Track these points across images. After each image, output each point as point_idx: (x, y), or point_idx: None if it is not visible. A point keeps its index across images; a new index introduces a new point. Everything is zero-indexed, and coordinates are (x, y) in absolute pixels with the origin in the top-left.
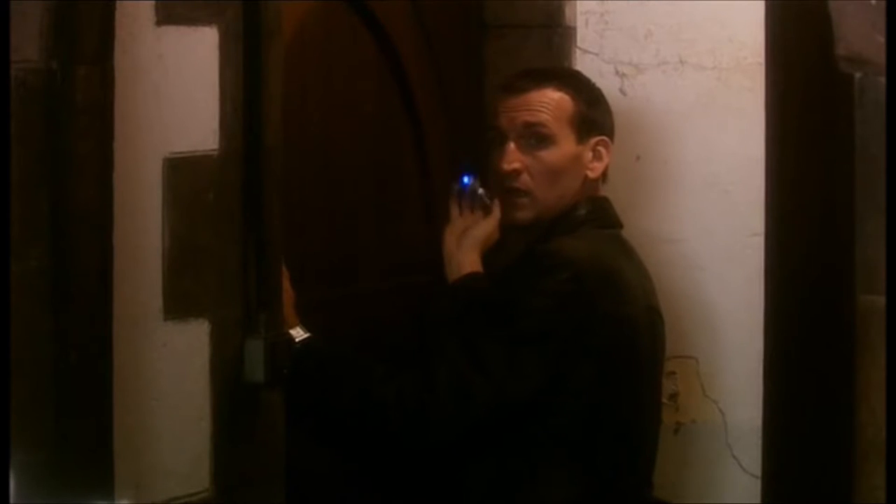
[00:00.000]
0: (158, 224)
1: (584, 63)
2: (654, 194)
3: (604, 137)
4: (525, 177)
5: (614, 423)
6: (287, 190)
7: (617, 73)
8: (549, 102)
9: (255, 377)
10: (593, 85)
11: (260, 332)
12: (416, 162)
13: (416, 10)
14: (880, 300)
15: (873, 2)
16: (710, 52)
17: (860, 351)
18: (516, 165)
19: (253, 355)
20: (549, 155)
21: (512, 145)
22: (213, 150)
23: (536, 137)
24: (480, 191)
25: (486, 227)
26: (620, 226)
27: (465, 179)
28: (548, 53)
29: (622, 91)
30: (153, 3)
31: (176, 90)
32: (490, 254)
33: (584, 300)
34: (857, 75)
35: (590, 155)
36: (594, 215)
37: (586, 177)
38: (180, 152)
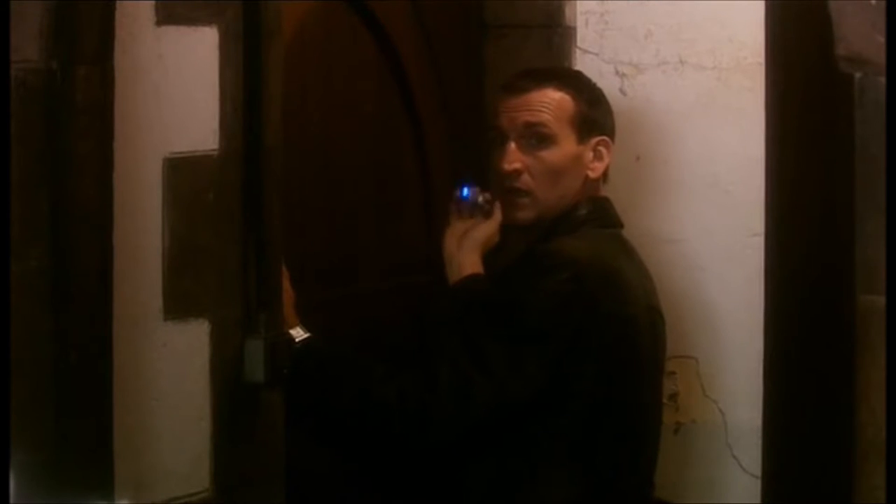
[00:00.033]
0: (158, 224)
1: (584, 63)
2: (654, 194)
3: (605, 137)
4: (526, 177)
5: (615, 423)
6: (287, 190)
7: (617, 73)
8: (550, 102)
9: (255, 377)
10: (594, 85)
11: (260, 332)
12: (416, 162)
13: (416, 10)
14: (880, 300)
15: (873, 2)
16: (710, 52)
17: (860, 351)
18: (517, 165)
19: (253, 355)
20: (550, 155)
21: (513, 145)
22: (213, 150)
23: (537, 137)
24: (480, 199)
25: (486, 228)
26: (621, 226)
27: (465, 192)
28: (548, 53)
29: (622, 91)
30: (153, 3)
31: (176, 90)
32: (491, 254)
33: (584, 300)
34: (857, 75)
35: (590, 155)
36: (595, 215)
37: (587, 177)
38: (180, 152)
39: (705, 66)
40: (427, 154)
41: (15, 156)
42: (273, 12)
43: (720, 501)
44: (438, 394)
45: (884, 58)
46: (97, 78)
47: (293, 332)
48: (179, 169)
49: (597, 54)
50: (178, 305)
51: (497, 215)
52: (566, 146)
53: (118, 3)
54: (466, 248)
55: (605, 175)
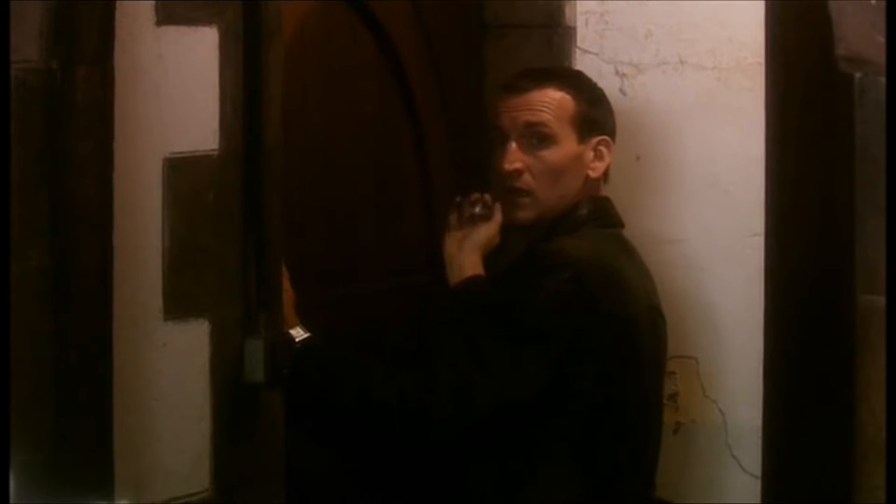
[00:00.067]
0: (158, 224)
1: (584, 63)
2: (654, 194)
3: (605, 137)
4: (526, 176)
5: (616, 424)
6: (287, 190)
7: (617, 73)
8: (551, 102)
9: (255, 377)
10: (595, 85)
11: (260, 332)
12: (416, 162)
13: (416, 10)
14: (880, 300)
15: (873, 2)
16: (710, 52)
17: (860, 351)
18: (518, 165)
19: (253, 355)
20: (551, 155)
21: (513, 145)
22: (213, 150)
23: (538, 137)
24: (478, 209)
25: (487, 230)
26: (622, 225)
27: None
28: (548, 53)
29: (622, 91)
30: (153, 3)
31: (176, 90)
32: (491, 256)
33: (585, 300)
34: (857, 75)
35: (591, 154)
36: (596, 215)
37: (588, 176)
38: (180, 152)
39: (705, 66)
40: (427, 154)
41: (15, 156)
42: (273, 12)
43: (720, 501)
44: (438, 394)
45: (884, 58)
46: (97, 78)
47: (293, 332)
48: (179, 169)
49: (597, 54)
50: (178, 305)
51: (497, 217)
52: (567, 146)
53: (118, 3)
54: (467, 250)
55: (605, 175)
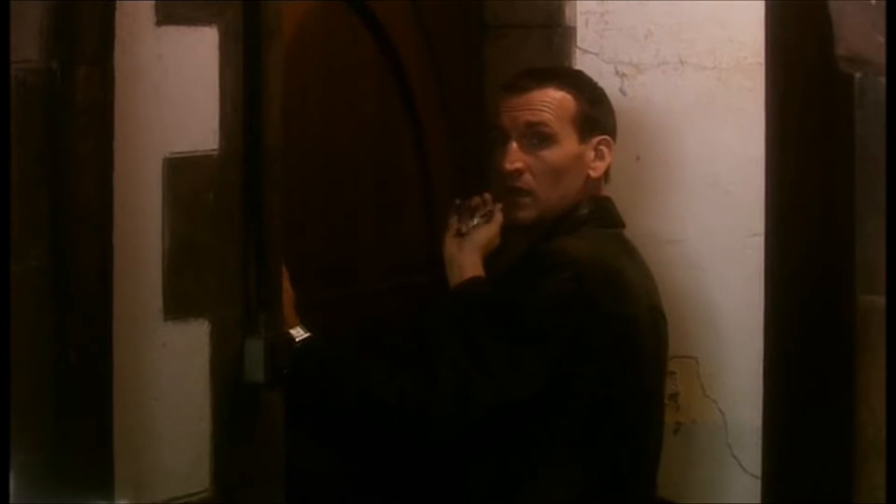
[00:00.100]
0: (158, 224)
1: (584, 63)
2: (654, 194)
3: (606, 137)
4: (527, 176)
5: (616, 423)
6: (287, 190)
7: (617, 73)
8: (552, 102)
9: (255, 377)
10: (595, 84)
11: (260, 332)
12: (416, 162)
13: (416, 10)
14: (880, 300)
15: (873, 2)
16: (710, 52)
17: (860, 351)
18: (518, 165)
19: (253, 355)
20: (552, 154)
21: (514, 145)
22: (213, 150)
23: (538, 137)
24: (477, 220)
25: (487, 230)
26: (623, 225)
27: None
28: (548, 53)
29: (622, 91)
30: (153, 3)
31: (176, 90)
32: (492, 256)
33: (585, 299)
34: (857, 75)
35: (592, 154)
36: (596, 215)
37: (588, 176)
38: (180, 152)
39: (705, 66)
40: (427, 154)
41: (15, 156)
42: (273, 12)
43: (720, 501)
44: (438, 394)
45: (884, 58)
46: (97, 78)
47: (293, 332)
48: (179, 169)
49: (597, 54)
50: (178, 305)
51: (497, 217)
52: (567, 146)
53: (118, 3)
54: (467, 251)
55: (606, 174)
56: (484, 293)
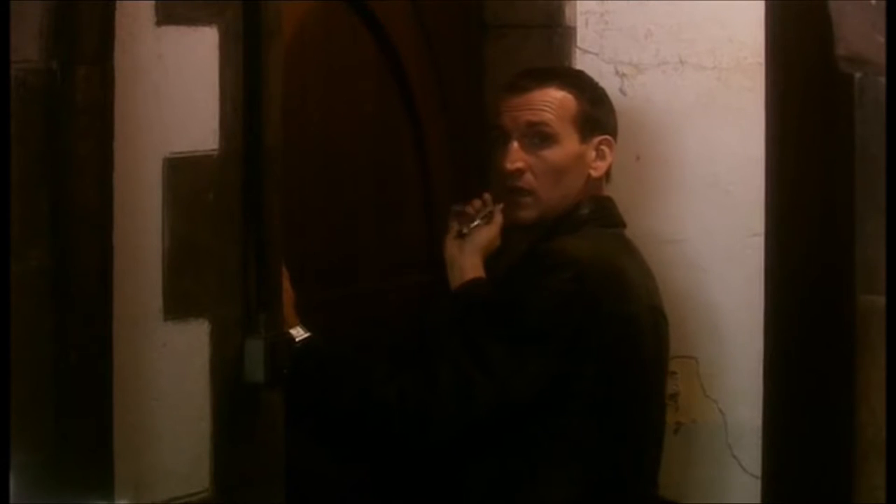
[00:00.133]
0: (158, 224)
1: (584, 63)
2: (655, 194)
3: (607, 136)
4: (528, 176)
5: (617, 423)
6: (287, 190)
7: (617, 73)
8: (553, 101)
9: (255, 377)
10: (596, 84)
11: (260, 332)
12: (416, 162)
13: (416, 10)
14: (880, 300)
15: (873, 2)
16: (710, 52)
17: (860, 351)
18: (519, 165)
19: (253, 355)
20: (553, 154)
21: (515, 144)
22: (213, 150)
23: (540, 136)
24: (477, 221)
25: (487, 232)
26: (624, 225)
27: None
28: (548, 53)
29: (622, 91)
30: (153, 3)
31: (176, 90)
32: (492, 257)
33: (586, 299)
34: (857, 75)
35: (593, 154)
36: (597, 214)
37: (589, 176)
38: (180, 152)
39: (705, 66)
40: (427, 154)
41: (15, 156)
42: (273, 12)
43: (720, 501)
44: (439, 394)
45: (884, 58)
46: (97, 78)
47: (293, 332)
48: (179, 169)
49: (597, 54)
50: (178, 305)
51: (498, 218)
52: (568, 145)
53: (118, 3)
54: (468, 252)
55: (607, 174)
56: (485, 294)
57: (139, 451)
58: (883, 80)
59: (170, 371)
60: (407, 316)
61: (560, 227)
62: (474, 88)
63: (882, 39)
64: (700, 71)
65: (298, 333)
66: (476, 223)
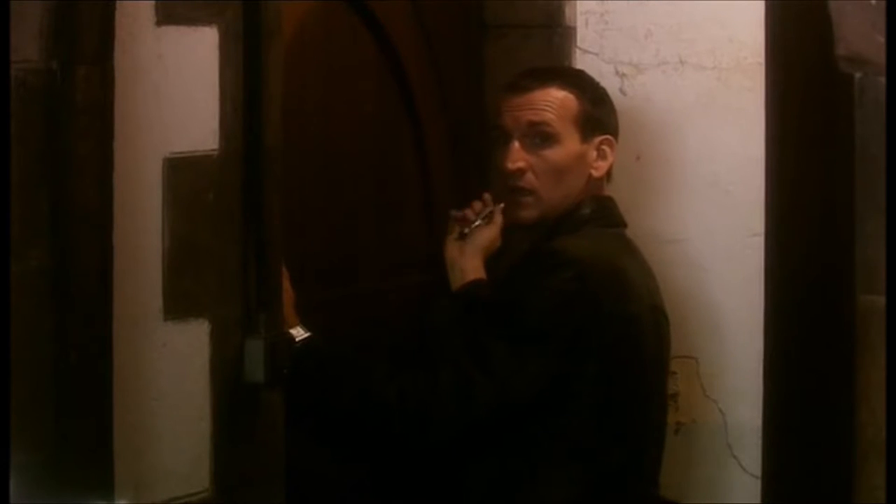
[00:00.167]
0: (158, 224)
1: (584, 63)
2: (655, 194)
3: (608, 136)
4: (529, 176)
5: (617, 423)
6: (287, 190)
7: (617, 73)
8: (554, 101)
9: (255, 377)
10: (597, 84)
11: (260, 332)
12: (416, 162)
13: (416, 10)
14: (880, 300)
15: (873, 2)
16: (710, 52)
17: (860, 351)
18: (521, 164)
19: (253, 355)
20: (554, 154)
21: (516, 144)
22: (213, 150)
23: (541, 136)
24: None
25: (488, 233)
26: (625, 225)
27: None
28: (548, 53)
29: (622, 91)
30: (153, 3)
31: (176, 90)
32: (493, 258)
33: (587, 299)
34: (857, 75)
35: (594, 154)
36: (598, 214)
37: (590, 176)
38: (180, 152)
39: (705, 66)
40: (427, 154)
41: (15, 156)
42: (273, 12)
43: (720, 501)
44: (439, 393)
45: (884, 58)
46: (97, 78)
47: (293, 332)
48: (179, 169)
49: (597, 54)
50: (178, 305)
51: (498, 219)
52: (570, 145)
53: (118, 3)
54: (469, 254)
55: (608, 174)
56: (486, 295)
57: (139, 451)
58: (883, 80)
59: (170, 371)
60: (407, 316)
61: (561, 226)
62: (474, 88)
63: (882, 39)
64: (700, 71)
65: (298, 333)
66: (476, 223)
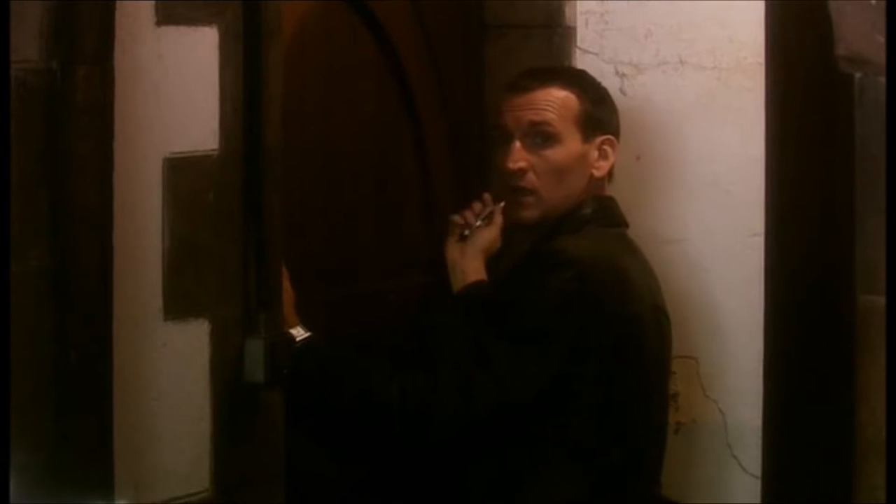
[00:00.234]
0: (158, 224)
1: (584, 63)
2: (655, 194)
3: (609, 136)
4: (531, 175)
5: (618, 423)
6: (287, 190)
7: (617, 73)
8: (555, 101)
9: (255, 377)
10: (598, 84)
11: (260, 332)
12: (416, 162)
13: (416, 10)
14: (880, 300)
15: (873, 2)
16: (710, 52)
17: (860, 351)
18: (522, 164)
19: (253, 355)
20: (555, 154)
21: (517, 144)
22: (213, 150)
23: (542, 136)
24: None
25: (488, 233)
26: (626, 225)
27: None
28: (548, 53)
29: (622, 91)
30: (153, 3)
31: (176, 90)
32: (493, 258)
33: (588, 299)
34: (857, 75)
35: (595, 154)
36: (599, 214)
37: (592, 176)
38: (180, 152)
39: (705, 66)
40: (427, 154)
41: (15, 156)
42: (273, 12)
43: (720, 501)
44: (439, 393)
45: (884, 58)
46: (97, 78)
47: (293, 332)
48: (179, 169)
49: (597, 54)
50: (178, 305)
51: (498, 219)
52: (571, 145)
53: (118, 3)
54: (470, 256)
55: (609, 174)
56: (487, 296)
57: (139, 451)
58: (883, 80)
59: (170, 371)
60: (407, 316)
61: (562, 226)
62: (474, 88)
63: (882, 39)
64: (700, 71)
65: (298, 333)
66: (477, 224)
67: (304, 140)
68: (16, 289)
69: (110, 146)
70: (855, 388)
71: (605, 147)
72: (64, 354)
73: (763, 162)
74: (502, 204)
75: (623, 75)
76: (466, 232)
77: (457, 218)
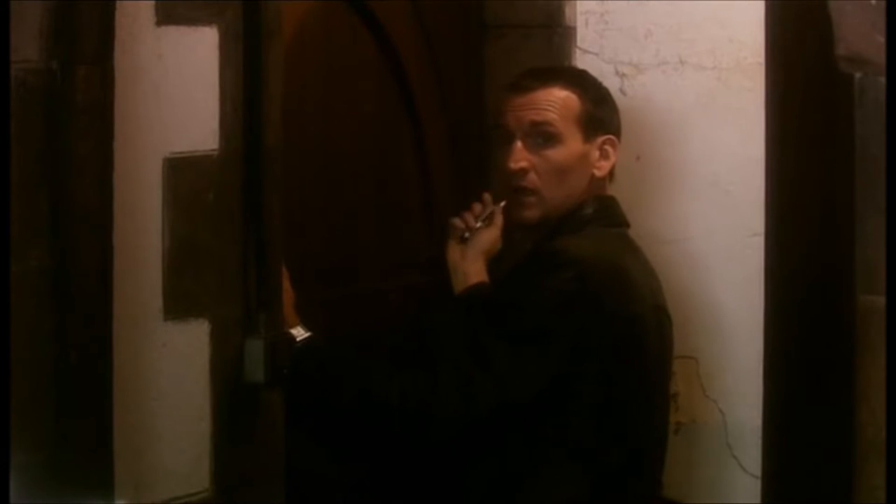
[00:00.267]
0: (158, 224)
1: (584, 63)
2: (655, 194)
3: (610, 136)
4: (532, 175)
5: (619, 423)
6: (287, 190)
7: (617, 73)
8: (556, 101)
9: (255, 377)
10: (600, 84)
11: (260, 332)
12: (416, 162)
13: (416, 10)
14: (880, 300)
15: (873, 2)
16: (710, 52)
17: (860, 351)
18: (523, 164)
19: (253, 355)
20: (556, 154)
21: (519, 144)
22: (213, 150)
23: (543, 136)
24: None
25: (489, 234)
26: (627, 225)
27: None
28: (548, 53)
29: (622, 91)
30: (153, 3)
31: (176, 90)
32: (495, 259)
33: (589, 299)
34: (857, 75)
35: (597, 154)
36: (601, 214)
37: (593, 175)
38: (180, 152)
39: (705, 66)
40: (427, 154)
41: (15, 156)
42: (273, 12)
43: (720, 501)
44: (439, 393)
45: (884, 58)
46: (97, 78)
47: (293, 332)
48: (179, 169)
49: (597, 54)
50: (178, 305)
51: (498, 220)
52: (572, 145)
53: (118, 3)
54: (470, 258)
55: (611, 174)
56: (488, 297)
57: (139, 451)
58: (883, 80)
59: (170, 371)
60: (407, 316)
61: (563, 226)
62: (474, 88)
63: (882, 39)
64: (700, 71)
65: (298, 333)
66: (477, 226)
67: (304, 140)
68: (16, 289)
69: (110, 146)
70: (855, 388)
71: (607, 147)
72: (64, 354)
73: (763, 162)
74: (503, 204)
75: (623, 75)
76: (467, 234)
77: (457, 221)
